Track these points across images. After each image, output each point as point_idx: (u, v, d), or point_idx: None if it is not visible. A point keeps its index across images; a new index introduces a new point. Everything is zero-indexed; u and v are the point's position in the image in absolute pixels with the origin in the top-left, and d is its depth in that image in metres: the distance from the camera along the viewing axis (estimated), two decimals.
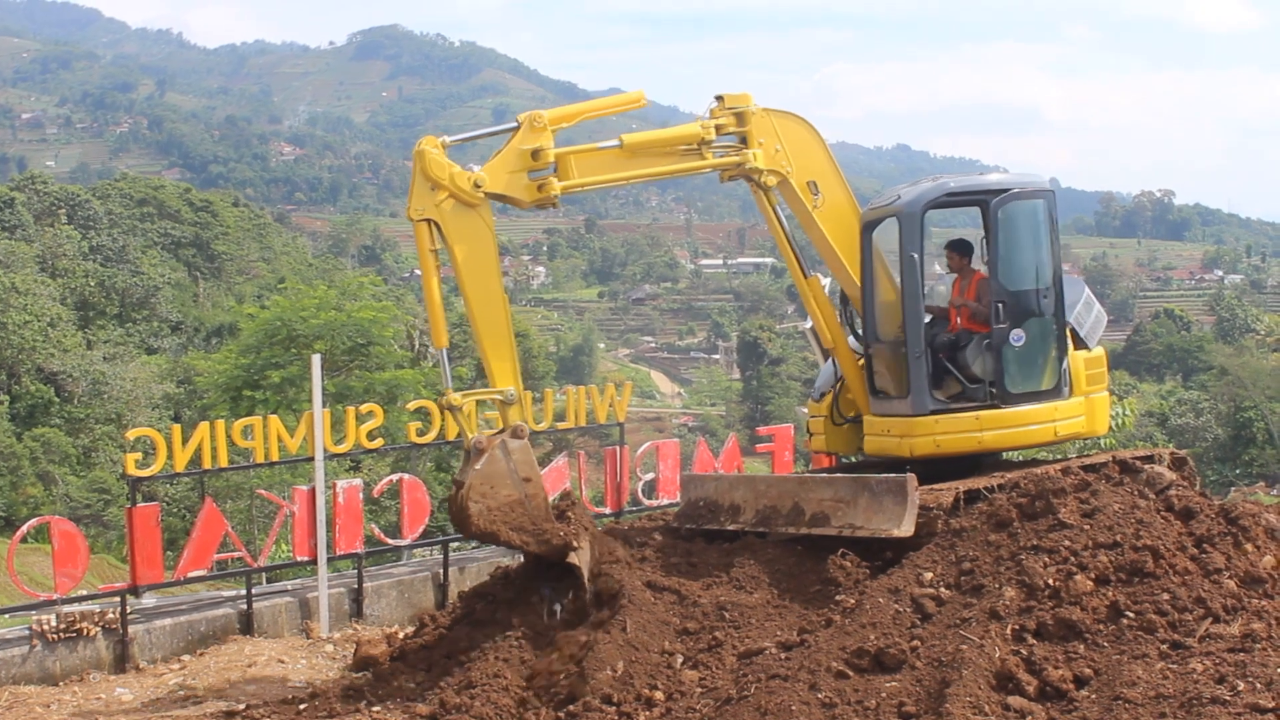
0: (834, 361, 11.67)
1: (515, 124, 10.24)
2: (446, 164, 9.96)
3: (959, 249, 11.17)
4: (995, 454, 10.80)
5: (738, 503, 10.48)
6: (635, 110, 11.10)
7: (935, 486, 9.58)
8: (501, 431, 9.97)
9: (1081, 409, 10.68)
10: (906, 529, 9.15)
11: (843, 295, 11.44)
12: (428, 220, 9.92)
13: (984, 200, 10.54)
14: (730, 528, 10.32)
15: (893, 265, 10.96)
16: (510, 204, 10.55)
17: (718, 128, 10.81)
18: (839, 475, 10.59)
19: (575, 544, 9.72)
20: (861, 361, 11.31)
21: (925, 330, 10.71)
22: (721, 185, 11.30)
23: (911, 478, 9.34)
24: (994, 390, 10.41)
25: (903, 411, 10.68)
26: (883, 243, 11.02)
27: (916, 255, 10.53)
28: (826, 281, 11.89)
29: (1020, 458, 11.44)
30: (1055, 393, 10.55)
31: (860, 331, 11.33)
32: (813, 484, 10.16)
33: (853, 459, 12.21)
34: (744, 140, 10.84)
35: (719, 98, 10.95)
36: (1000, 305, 10.40)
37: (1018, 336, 10.42)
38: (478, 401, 10.24)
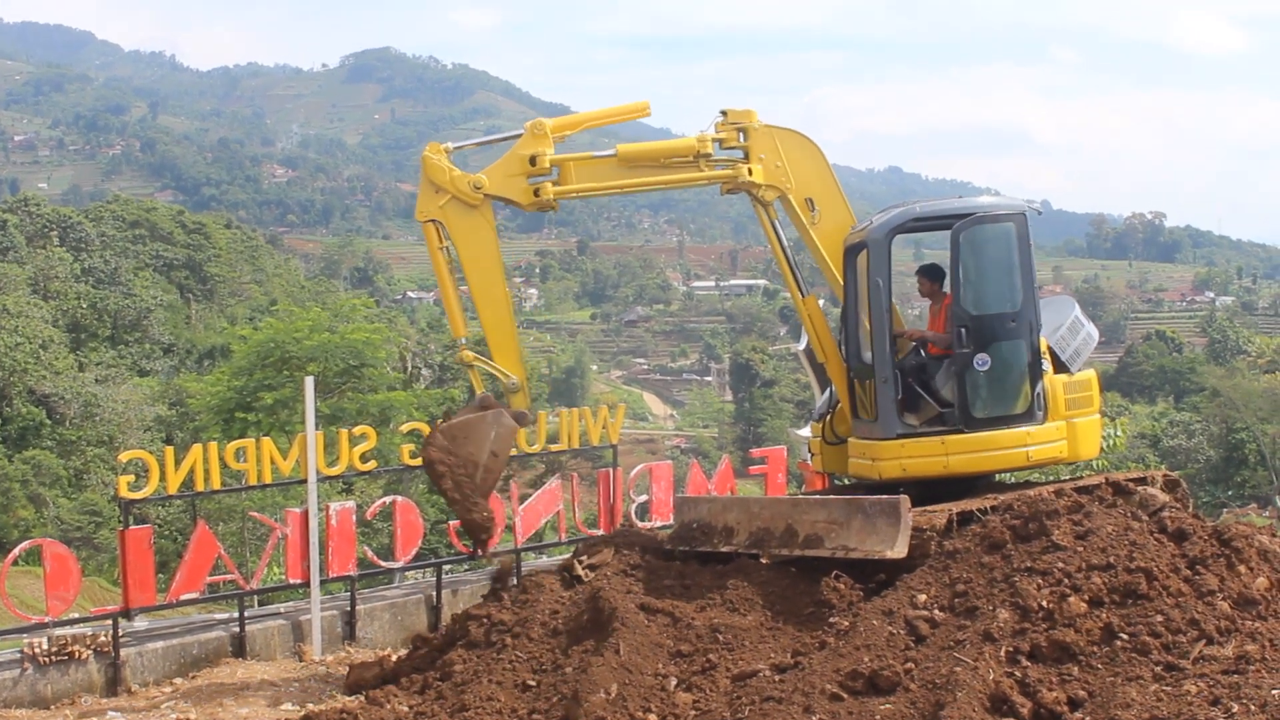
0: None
1: (521, 131, 10.66)
2: (447, 167, 10.56)
3: (929, 274, 11.18)
4: (971, 479, 10.64)
5: (731, 525, 10.46)
6: (638, 122, 11.25)
7: (928, 508, 9.58)
8: (508, 410, 10.75)
9: (1060, 433, 10.57)
10: (900, 551, 9.14)
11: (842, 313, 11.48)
12: (434, 222, 10.59)
13: (949, 225, 10.54)
14: (724, 549, 10.32)
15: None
16: (510, 205, 10.98)
17: (720, 141, 10.95)
18: (832, 497, 10.59)
19: (488, 533, 10.89)
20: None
21: (911, 354, 10.75)
22: (714, 208, 11.51)
23: (904, 499, 9.33)
24: (960, 415, 10.38)
25: (872, 435, 10.78)
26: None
27: (882, 281, 10.56)
28: (822, 302, 11.95)
29: (1013, 479, 11.44)
30: (1027, 417, 10.45)
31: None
32: (806, 506, 10.16)
33: (846, 480, 12.23)
34: (745, 155, 10.91)
35: (723, 112, 11.06)
36: (963, 330, 10.39)
37: (982, 361, 10.36)
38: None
